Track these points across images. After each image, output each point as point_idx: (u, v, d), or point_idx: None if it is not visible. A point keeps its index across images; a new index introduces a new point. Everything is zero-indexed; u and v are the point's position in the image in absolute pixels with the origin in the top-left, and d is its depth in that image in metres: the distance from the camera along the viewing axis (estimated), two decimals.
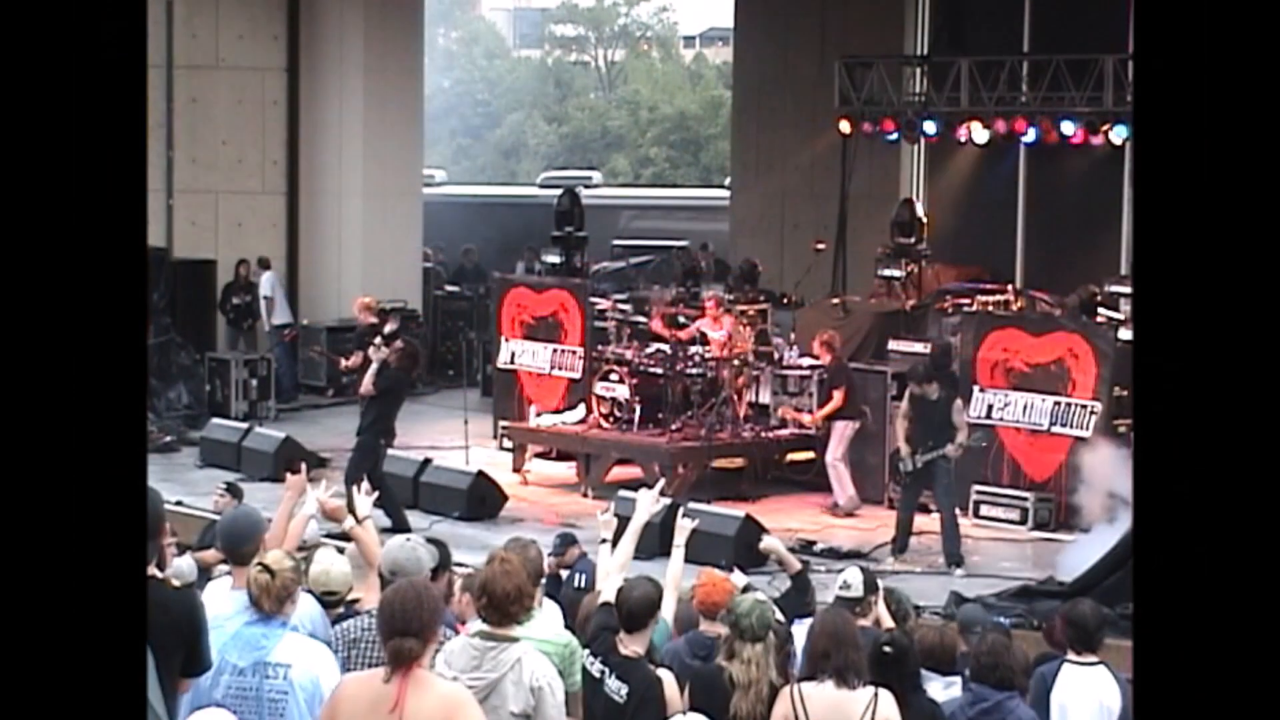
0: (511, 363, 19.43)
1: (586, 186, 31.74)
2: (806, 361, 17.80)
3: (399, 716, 5.24)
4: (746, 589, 7.71)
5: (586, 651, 6.98)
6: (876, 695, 6.59)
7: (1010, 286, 19.82)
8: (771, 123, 25.02)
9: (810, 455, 17.46)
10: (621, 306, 19.19)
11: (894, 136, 21.70)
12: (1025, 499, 15.98)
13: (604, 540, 8.19)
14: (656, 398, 17.46)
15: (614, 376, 17.70)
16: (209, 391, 21.10)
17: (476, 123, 62.44)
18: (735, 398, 17.61)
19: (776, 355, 18.38)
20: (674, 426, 17.22)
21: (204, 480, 17.00)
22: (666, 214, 33.44)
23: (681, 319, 18.89)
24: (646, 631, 6.99)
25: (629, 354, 17.99)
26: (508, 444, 18.70)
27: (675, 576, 7.82)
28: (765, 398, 18.05)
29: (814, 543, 15.09)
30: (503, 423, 19.13)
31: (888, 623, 8.15)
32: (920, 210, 21.14)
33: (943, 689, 7.70)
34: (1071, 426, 15.73)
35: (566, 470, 18.26)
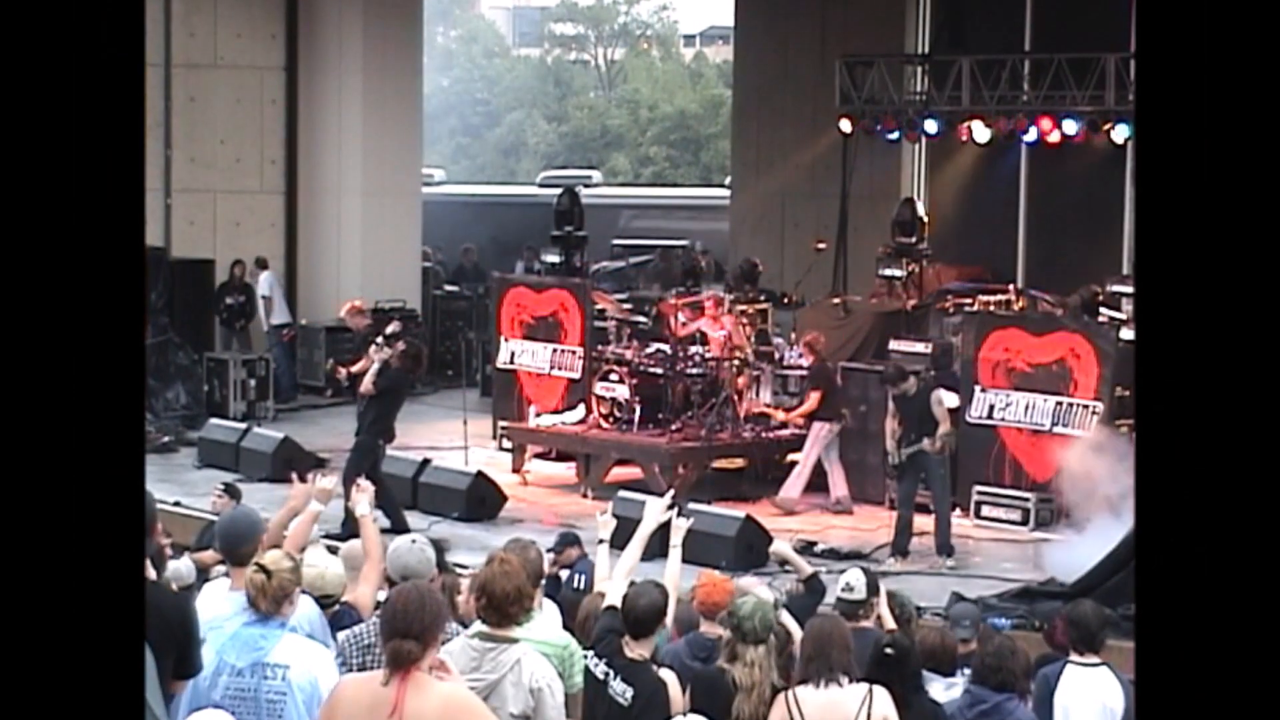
0: (511, 363, 19.40)
1: (586, 186, 31.73)
2: (807, 361, 17.77)
3: (399, 718, 5.22)
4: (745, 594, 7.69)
5: (590, 653, 6.96)
6: (871, 692, 6.63)
7: (1012, 286, 19.79)
8: (772, 122, 25.00)
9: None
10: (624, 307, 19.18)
11: (895, 136, 21.68)
12: (1027, 499, 15.95)
13: (602, 541, 8.17)
14: (656, 398, 17.44)
15: (614, 376, 17.67)
16: (207, 392, 21.07)
17: (476, 122, 62.46)
18: (735, 398, 17.59)
19: (777, 355, 18.36)
20: (674, 427, 17.20)
21: (202, 481, 16.96)
22: (666, 213, 33.43)
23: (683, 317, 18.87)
24: (653, 637, 6.99)
25: (629, 354, 17.97)
26: (507, 444, 18.68)
27: (673, 577, 7.81)
28: (765, 397, 18.03)
29: (814, 543, 15.07)
30: (502, 423, 19.10)
31: (890, 624, 8.15)
32: (921, 209, 21.11)
33: (944, 690, 7.71)
34: (1073, 427, 15.70)
35: (566, 471, 18.23)
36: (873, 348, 18.65)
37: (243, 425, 19.07)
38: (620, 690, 6.78)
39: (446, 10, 67.35)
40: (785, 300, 20.79)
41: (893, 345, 17.97)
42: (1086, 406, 15.69)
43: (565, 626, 7.68)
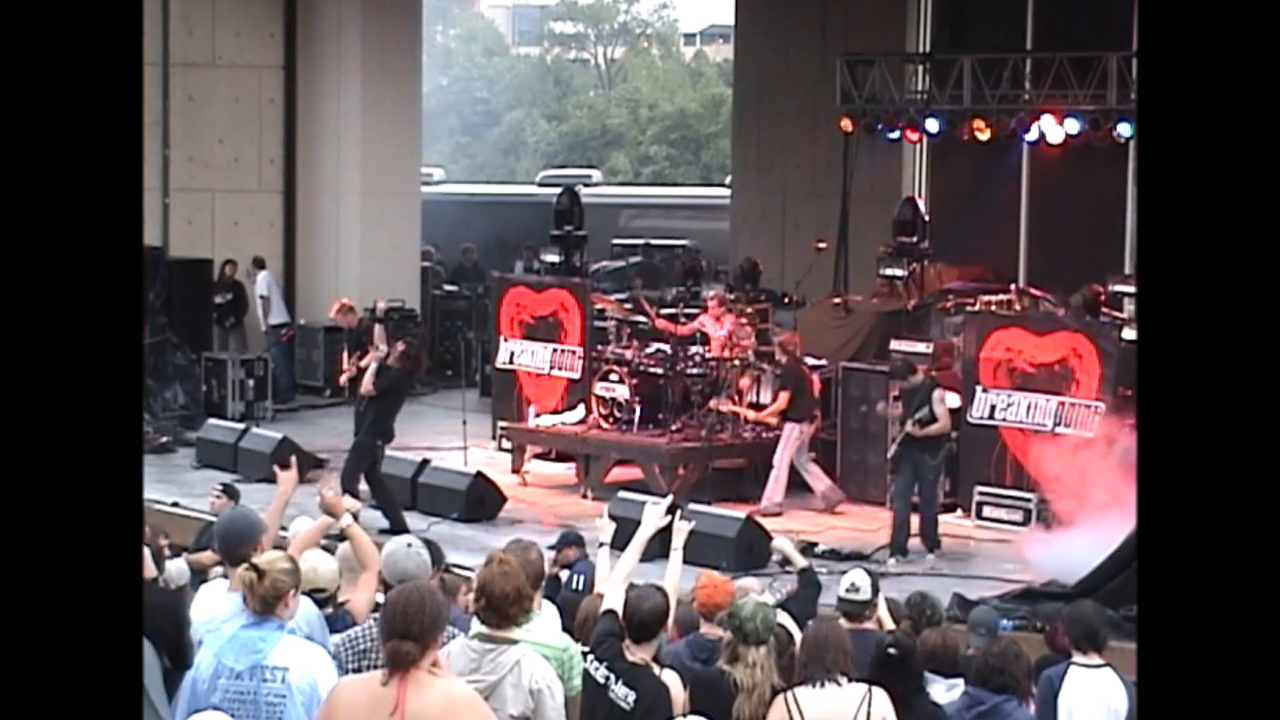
0: (510, 363, 19.36)
1: (586, 185, 31.74)
2: (781, 361, 17.72)
3: (400, 718, 5.18)
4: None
5: (590, 656, 6.92)
6: (870, 692, 6.63)
7: (1013, 286, 19.74)
8: (772, 121, 24.97)
9: (812, 456, 17.41)
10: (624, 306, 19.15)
11: (896, 135, 21.64)
12: (1028, 500, 15.92)
13: (601, 544, 8.14)
14: (656, 398, 17.40)
15: (614, 376, 17.64)
16: (205, 392, 21.04)
17: (475, 121, 62.47)
18: (736, 398, 17.55)
19: (777, 355, 18.31)
20: (674, 427, 17.17)
21: (200, 481, 16.90)
22: (666, 213, 33.43)
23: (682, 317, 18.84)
24: (654, 641, 6.96)
25: (629, 354, 17.93)
26: (507, 445, 18.65)
27: (674, 579, 7.78)
28: (766, 397, 18.00)
29: (815, 544, 15.04)
30: (502, 423, 19.07)
31: (889, 625, 8.15)
32: (922, 209, 21.07)
33: (945, 691, 7.69)
34: (1075, 427, 15.67)
35: (566, 471, 18.20)
36: (873, 348, 18.61)
37: (241, 425, 19.03)
38: (622, 694, 6.75)
39: (446, 9, 67.35)
40: (786, 300, 20.75)
41: (894, 345, 17.93)
42: (1089, 406, 15.66)
43: (564, 628, 7.65)
